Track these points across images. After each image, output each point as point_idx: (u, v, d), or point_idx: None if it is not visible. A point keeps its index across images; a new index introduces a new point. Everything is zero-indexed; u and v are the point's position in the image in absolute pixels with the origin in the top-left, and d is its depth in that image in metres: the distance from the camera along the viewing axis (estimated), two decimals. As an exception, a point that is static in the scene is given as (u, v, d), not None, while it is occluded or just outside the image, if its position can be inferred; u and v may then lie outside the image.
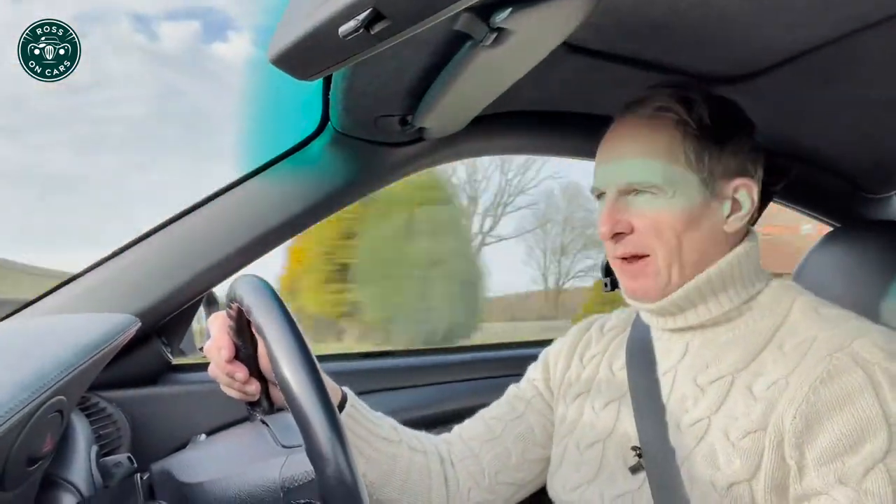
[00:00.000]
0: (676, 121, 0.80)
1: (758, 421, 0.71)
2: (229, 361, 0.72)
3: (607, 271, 1.30)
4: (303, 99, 1.07)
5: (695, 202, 0.79)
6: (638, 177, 0.79)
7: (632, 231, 0.80)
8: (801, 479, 0.68)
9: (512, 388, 1.03)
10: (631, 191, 0.80)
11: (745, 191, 0.81)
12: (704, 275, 0.79)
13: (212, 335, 0.75)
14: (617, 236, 0.81)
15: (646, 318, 0.89)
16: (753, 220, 0.86)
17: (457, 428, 1.00)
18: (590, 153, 1.29)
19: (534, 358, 1.05)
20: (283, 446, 1.12)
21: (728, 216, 0.81)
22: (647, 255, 0.80)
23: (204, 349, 0.78)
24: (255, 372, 0.76)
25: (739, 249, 0.80)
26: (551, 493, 0.93)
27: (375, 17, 0.53)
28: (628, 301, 0.88)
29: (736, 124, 0.83)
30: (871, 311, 1.03)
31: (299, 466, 1.05)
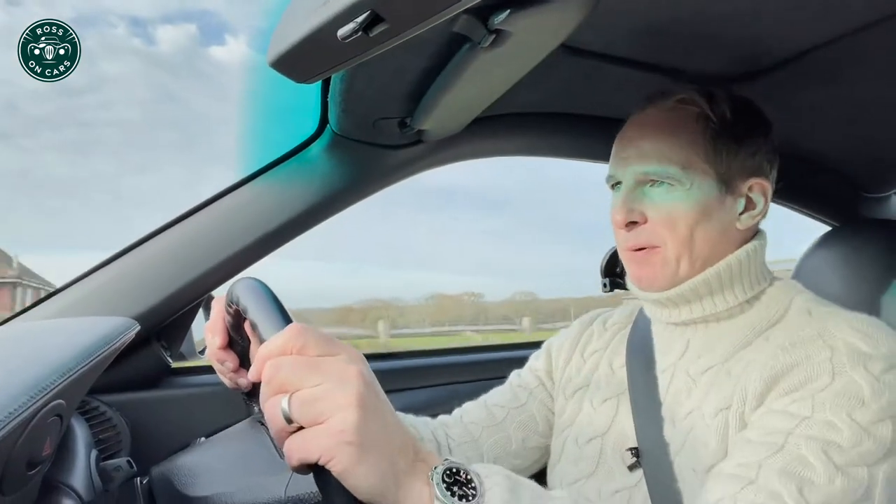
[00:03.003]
0: (698, 114, 0.80)
1: (727, 397, 0.72)
2: (222, 348, 0.72)
3: (606, 272, 1.30)
4: (301, 102, 1.07)
5: (710, 196, 0.79)
6: (656, 167, 0.79)
7: (645, 221, 0.80)
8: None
9: (514, 377, 1.03)
10: (647, 181, 0.80)
11: (760, 190, 0.81)
12: (714, 269, 0.79)
13: (210, 318, 0.75)
14: (630, 226, 0.81)
15: (649, 311, 0.89)
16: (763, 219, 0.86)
17: (457, 411, 1.00)
18: (588, 154, 1.30)
19: None
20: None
21: (741, 213, 0.81)
22: (658, 247, 0.80)
23: (204, 330, 0.78)
24: (248, 367, 0.76)
25: (749, 247, 0.81)
26: (550, 486, 0.93)
27: (374, 20, 0.53)
28: (634, 290, 0.87)
29: (756, 123, 0.83)
30: (868, 310, 1.03)
31: (305, 486, 1.04)
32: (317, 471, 0.48)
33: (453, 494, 0.48)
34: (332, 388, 0.46)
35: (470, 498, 0.48)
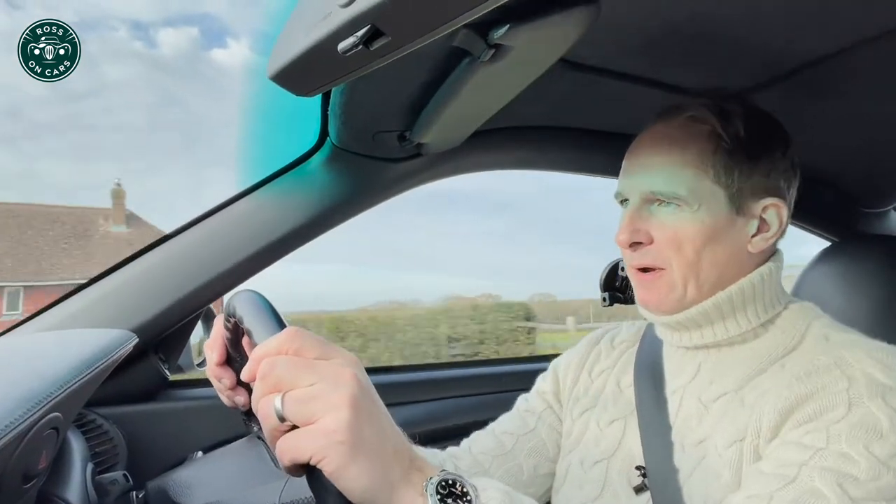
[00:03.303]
0: (710, 132, 0.77)
1: (741, 429, 0.70)
2: (219, 365, 0.71)
3: (605, 286, 1.30)
4: (301, 107, 1.07)
5: (719, 218, 0.76)
6: (663, 186, 0.76)
7: (651, 242, 0.78)
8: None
9: (521, 402, 1.01)
10: (655, 200, 0.78)
11: (775, 211, 0.78)
12: (725, 293, 0.76)
13: (210, 335, 0.75)
14: (635, 245, 0.79)
15: (660, 333, 0.86)
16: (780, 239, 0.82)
17: (465, 442, 0.97)
18: (588, 168, 1.30)
19: (542, 371, 1.04)
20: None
21: (753, 236, 0.77)
22: (664, 269, 0.78)
23: (205, 347, 0.77)
24: (248, 385, 0.75)
25: (763, 269, 0.78)
26: None
27: (375, 34, 0.53)
28: (642, 312, 0.85)
29: (772, 141, 0.79)
30: (869, 325, 1.03)
31: (299, 491, 1.04)
32: (309, 471, 0.48)
33: None
34: (326, 388, 0.46)
35: None
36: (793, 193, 0.81)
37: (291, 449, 0.46)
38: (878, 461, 0.59)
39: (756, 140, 0.77)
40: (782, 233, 0.79)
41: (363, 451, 0.46)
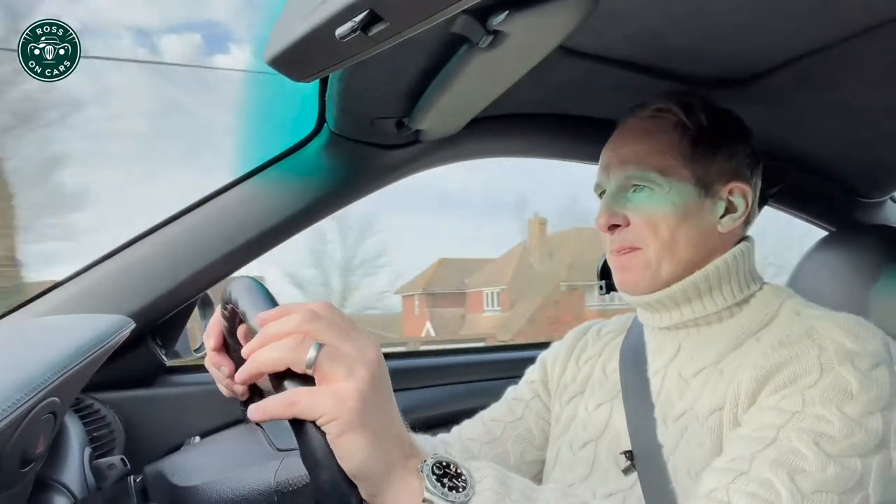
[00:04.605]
0: (675, 122, 0.83)
1: (720, 398, 0.73)
2: (215, 350, 0.72)
3: (601, 275, 1.31)
4: (300, 108, 1.07)
5: (689, 199, 0.81)
6: (636, 171, 0.82)
7: (627, 224, 0.83)
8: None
9: (510, 391, 1.03)
10: (630, 186, 0.83)
11: (740, 193, 0.83)
12: (702, 271, 0.81)
13: (208, 324, 0.75)
14: (613, 228, 0.84)
15: (641, 316, 0.90)
16: (748, 223, 0.87)
17: (455, 429, 1.00)
18: (585, 156, 1.30)
19: (531, 360, 1.06)
20: (278, 449, 1.12)
21: (722, 217, 0.83)
22: (640, 248, 0.82)
23: (204, 336, 0.78)
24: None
25: (736, 250, 0.82)
26: None
27: (372, 19, 0.53)
28: (623, 297, 0.89)
29: (732, 130, 0.85)
30: (865, 315, 1.03)
31: (294, 470, 1.05)
32: (310, 437, 0.49)
33: (443, 486, 0.50)
34: (355, 356, 0.50)
35: (460, 489, 0.50)
36: (756, 181, 0.87)
37: (306, 402, 0.49)
38: (851, 420, 0.63)
39: (718, 128, 0.84)
40: (748, 215, 0.85)
41: (369, 425, 0.49)
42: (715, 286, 0.81)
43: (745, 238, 0.86)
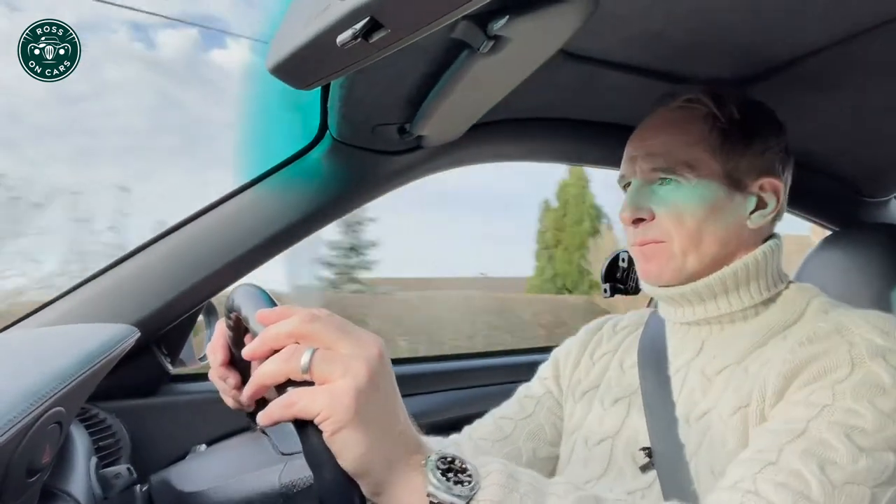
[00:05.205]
0: (706, 113, 0.81)
1: (745, 395, 0.72)
2: (223, 365, 0.72)
3: (606, 277, 1.30)
4: (301, 105, 1.07)
5: (718, 194, 0.79)
6: (664, 163, 0.80)
7: (652, 218, 0.81)
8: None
9: (522, 389, 1.02)
10: (656, 179, 0.81)
11: (771, 189, 0.81)
12: (731, 267, 0.79)
13: (212, 337, 0.75)
14: (637, 222, 0.82)
15: (663, 311, 0.88)
16: (777, 220, 0.86)
17: (466, 428, 0.99)
18: (587, 160, 1.30)
19: (543, 363, 1.04)
20: (283, 453, 1.12)
21: (752, 212, 0.81)
22: (664, 241, 0.80)
23: (207, 350, 0.78)
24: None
25: (765, 247, 0.80)
26: None
27: (373, 27, 0.53)
28: (644, 289, 0.87)
29: (766, 123, 0.83)
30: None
31: (299, 472, 1.05)
32: (310, 434, 0.50)
33: (448, 480, 0.49)
34: (353, 354, 0.49)
35: (465, 483, 0.50)
36: (787, 177, 0.84)
37: (303, 401, 0.49)
38: (883, 414, 0.62)
39: (750, 121, 0.81)
40: (779, 211, 0.83)
41: (367, 422, 0.48)
42: (743, 283, 0.79)
43: (773, 235, 0.84)
